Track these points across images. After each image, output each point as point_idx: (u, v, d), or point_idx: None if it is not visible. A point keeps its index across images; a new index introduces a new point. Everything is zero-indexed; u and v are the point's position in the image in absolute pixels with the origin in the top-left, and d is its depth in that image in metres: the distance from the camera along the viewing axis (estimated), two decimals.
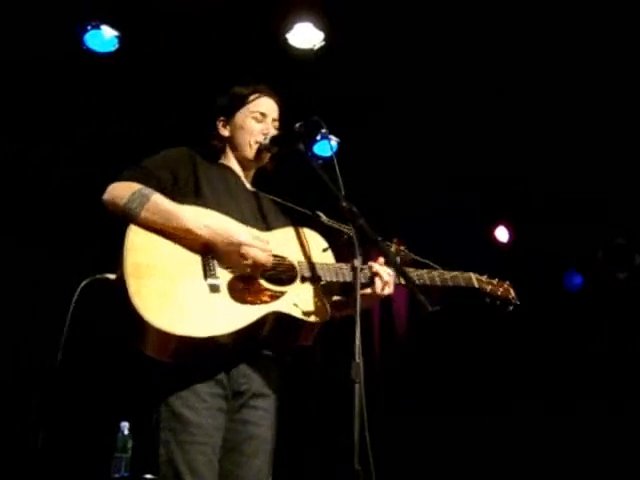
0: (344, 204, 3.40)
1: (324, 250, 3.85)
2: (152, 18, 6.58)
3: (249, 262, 3.49)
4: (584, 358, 8.91)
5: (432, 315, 3.39)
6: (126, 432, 6.27)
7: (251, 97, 4.10)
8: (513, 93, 7.41)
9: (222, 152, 4.14)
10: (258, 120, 4.05)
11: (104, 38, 6.68)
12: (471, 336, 8.14)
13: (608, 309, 9.07)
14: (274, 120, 4.10)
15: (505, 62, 7.04)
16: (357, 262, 3.23)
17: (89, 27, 6.62)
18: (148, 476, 5.75)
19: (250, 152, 4.03)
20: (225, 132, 4.11)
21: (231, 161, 4.10)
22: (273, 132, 4.04)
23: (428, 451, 8.31)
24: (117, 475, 6.10)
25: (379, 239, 3.39)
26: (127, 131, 7.05)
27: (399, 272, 3.69)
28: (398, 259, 3.87)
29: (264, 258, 3.52)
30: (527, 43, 6.81)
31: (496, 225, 9.47)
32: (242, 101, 4.09)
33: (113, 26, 6.64)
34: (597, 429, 8.50)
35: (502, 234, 9.49)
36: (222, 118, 4.13)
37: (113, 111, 7.01)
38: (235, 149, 4.08)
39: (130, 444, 6.22)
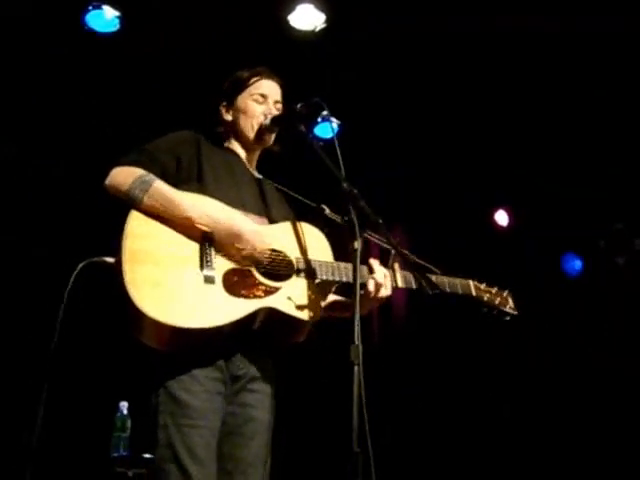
0: (345, 186, 3.39)
1: (322, 246, 3.85)
2: None
3: (245, 254, 3.49)
4: (583, 344, 8.91)
5: (432, 299, 3.39)
6: (125, 412, 6.28)
7: (252, 80, 4.08)
8: (513, 76, 7.41)
9: (226, 137, 4.12)
10: (259, 102, 4.03)
11: (105, 18, 6.67)
12: (469, 320, 8.14)
13: (608, 294, 9.07)
14: (276, 102, 4.08)
15: (506, 43, 7.04)
16: (357, 244, 3.21)
17: (90, 7, 6.61)
18: (147, 455, 5.76)
19: (252, 134, 4.02)
20: (228, 117, 4.09)
21: (235, 145, 4.09)
22: (275, 113, 4.03)
23: (426, 434, 8.33)
24: (116, 454, 6.11)
25: (380, 222, 3.38)
26: (129, 111, 7.03)
27: (399, 253, 3.70)
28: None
29: (260, 253, 3.53)
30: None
31: (496, 209, 9.45)
32: (243, 84, 4.08)
33: (114, 6, 6.62)
34: (596, 415, 8.54)
35: (502, 218, 9.47)
36: (224, 103, 4.11)
37: (115, 92, 6.98)
38: (238, 133, 4.06)
39: (129, 423, 6.23)
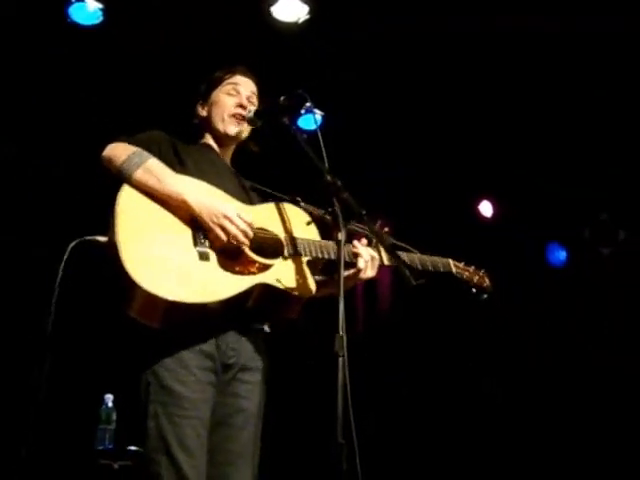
0: (328, 177, 3.40)
1: (308, 224, 3.87)
2: None
3: (228, 237, 3.50)
4: (569, 334, 8.93)
5: (416, 289, 3.40)
6: (110, 404, 6.28)
7: (226, 76, 4.13)
8: (498, 70, 7.43)
9: (201, 133, 4.15)
10: (231, 94, 4.07)
11: (88, 11, 6.66)
12: (454, 310, 8.16)
13: (592, 285, 9.09)
14: (251, 96, 4.10)
15: (492, 38, 7.06)
16: (341, 235, 3.23)
17: (73, 0, 6.59)
18: (132, 448, 5.76)
19: (223, 126, 4.03)
20: (203, 112, 4.12)
21: (209, 140, 4.11)
22: (246, 104, 4.04)
23: (411, 424, 8.35)
24: (101, 447, 6.11)
25: (363, 213, 3.39)
26: (113, 104, 7.02)
27: (383, 245, 3.71)
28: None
29: (243, 236, 3.53)
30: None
31: (480, 200, 9.46)
32: (217, 81, 4.13)
33: None
34: (580, 405, 8.58)
35: (486, 209, 9.48)
36: (200, 101, 4.15)
37: (98, 85, 6.97)
38: (211, 126, 4.08)
39: (114, 416, 6.24)
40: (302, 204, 4.04)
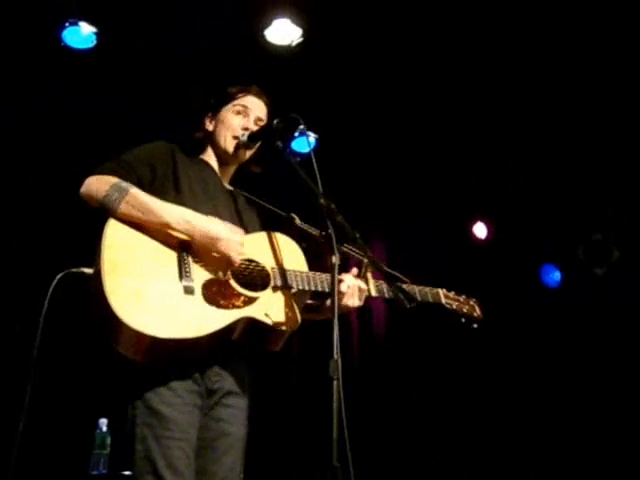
0: (322, 201, 3.39)
1: (298, 254, 3.88)
2: (130, 14, 6.57)
3: (221, 258, 3.50)
4: (564, 355, 8.93)
5: (410, 311, 3.39)
6: (104, 429, 6.26)
7: (239, 94, 4.10)
8: (493, 90, 7.45)
9: (203, 147, 4.13)
10: (239, 114, 4.05)
11: (82, 35, 6.68)
12: (449, 334, 8.16)
13: (586, 305, 9.09)
14: (259, 119, 4.08)
15: (486, 56, 7.09)
16: (335, 259, 3.22)
17: (67, 24, 6.61)
18: (126, 473, 5.73)
19: (225, 145, 4.02)
20: (210, 126, 4.11)
21: (210, 157, 4.10)
22: (253, 128, 4.03)
23: (407, 447, 8.33)
24: (95, 472, 6.09)
25: (357, 236, 3.39)
26: (106, 126, 7.02)
27: (373, 266, 3.72)
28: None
29: (236, 257, 3.53)
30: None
31: (474, 221, 9.48)
32: (229, 97, 4.10)
33: (91, 23, 6.62)
34: (572, 424, 8.58)
35: (480, 230, 9.50)
36: (209, 114, 4.13)
37: (91, 108, 6.97)
38: (214, 143, 4.07)
39: (108, 441, 6.21)
40: (298, 222, 4.05)
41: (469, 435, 8.51)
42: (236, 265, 3.56)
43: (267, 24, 6.86)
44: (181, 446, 3.36)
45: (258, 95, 4.15)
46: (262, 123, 4.09)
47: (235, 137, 4.01)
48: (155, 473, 3.30)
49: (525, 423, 8.69)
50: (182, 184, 3.77)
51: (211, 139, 4.10)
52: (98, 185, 3.50)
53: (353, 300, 3.82)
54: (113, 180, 3.51)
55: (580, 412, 8.65)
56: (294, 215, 4.08)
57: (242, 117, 4.05)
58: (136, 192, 3.50)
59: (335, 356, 2.95)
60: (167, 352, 3.33)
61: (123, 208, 3.44)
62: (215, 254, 3.54)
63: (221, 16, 6.57)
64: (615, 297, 8.93)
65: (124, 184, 3.50)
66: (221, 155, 4.08)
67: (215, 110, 4.12)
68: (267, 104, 4.18)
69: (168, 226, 3.49)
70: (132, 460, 3.38)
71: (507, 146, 8.12)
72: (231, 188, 4.14)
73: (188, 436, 3.41)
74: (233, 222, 3.81)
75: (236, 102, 4.08)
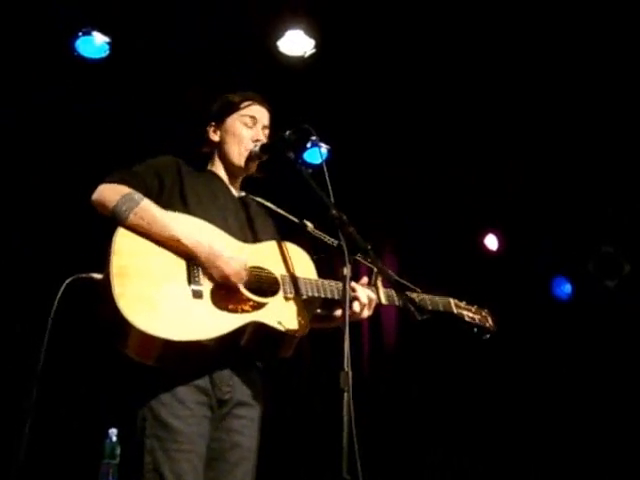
0: (334, 212, 3.38)
1: (308, 263, 3.88)
2: (143, 24, 6.59)
3: (221, 278, 3.50)
4: (575, 367, 8.91)
5: (421, 324, 3.39)
6: (114, 438, 6.26)
7: (243, 104, 4.06)
8: (505, 98, 7.45)
9: (210, 158, 4.11)
10: (248, 125, 4.02)
11: (95, 44, 6.70)
12: (460, 345, 8.14)
13: (598, 318, 9.07)
14: (265, 127, 4.07)
15: (497, 63, 7.09)
16: (346, 270, 3.21)
17: (80, 33, 6.63)
18: None
19: (239, 159, 3.99)
20: (215, 137, 4.07)
21: (219, 168, 4.07)
22: (263, 140, 4.02)
23: (416, 460, 8.31)
24: None
25: (369, 248, 3.38)
26: (117, 136, 7.03)
27: (384, 276, 3.72)
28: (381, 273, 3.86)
29: (237, 278, 3.52)
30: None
31: (486, 233, 9.47)
32: (234, 107, 4.06)
33: (104, 32, 6.65)
34: (583, 434, 8.57)
35: (491, 242, 9.49)
36: (213, 124, 4.09)
37: (104, 117, 6.98)
38: (224, 155, 4.05)
39: (118, 450, 6.21)
40: (310, 229, 4.05)
41: (481, 447, 8.49)
42: (237, 286, 3.56)
43: (280, 35, 6.88)
44: (189, 458, 3.35)
45: (262, 103, 4.12)
46: (267, 131, 4.07)
47: (247, 149, 4.00)
48: None
49: (538, 434, 8.68)
50: (189, 195, 3.75)
51: (219, 151, 4.07)
52: (109, 194, 3.52)
53: (368, 311, 3.82)
54: (125, 190, 3.52)
55: (591, 422, 8.63)
56: (307, 222, 4.08)
57: (250, 128, 4.03)
58: (146, 204, 3.51)
59: (346, 368, 2.94)
60: (176, 356, 3.33)
61: (132, 219, 3.45)
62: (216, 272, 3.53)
63: (235, 27, 6.58)
64: (626, 310, 8.91)
65: (136, 196, 3.51)
66: (231, 167, 4.04)
67: (219, 120, 4.09)
68: (270, 111, 4.15)
69: (175, 240, 3.49)
70: (140, 472, 3.37)
71: (520, 158, 8.12)
72: (243, 194, 4.12)
73: (197, 448, 3.39)
74: (242, 231, 3.83)
75: (243, 112, 4.05)
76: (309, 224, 4.08)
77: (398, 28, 6.72)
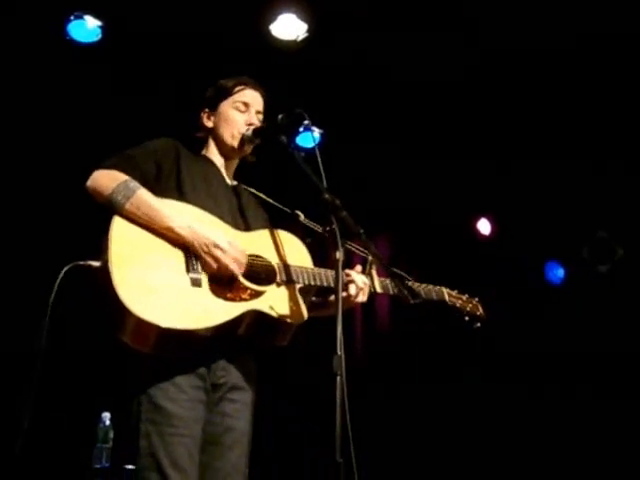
0: (326, 196, 3.39)
1: (302, 251, 3.90)
2: (135, 8, 6.57)
3: (220, 266, 3.50)
4: (567, 352, 8.92)
5: (414, 307, 3.39)
6: (107, 423, 6.25)
7: (236, 88, 4.07)
8: (497, 83, 7.45)
9: (205, 143, 4.12)
10: (241, 110, 4.03)
11: (87, 28, 6.68)
12: (453, 329, 8.15)
13: (590, 302, 9.07)
14: (258, 112, 4.08)
15: (492, 59, 7.09)
16: (339, 254, 3.21)
17: (72, 17, 6.61)
18: (129, 466, 5.73)
19: (232, 142, 4.01)
20: (209, 123, 4.09)
21: (213, 153, 4.08)
22: (257, 124, 4.02)
23: (410, 443, 8.32)
24: (98, 466, 6.08)
25: (361, 232, 3.39)
26: (110, 121, 7.01)
27: (379, 262, 3.73)
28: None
29: (234, 266, 3.53)
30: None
31: (478, 218, 9.47)
32: (227, 92, 4.07)
33: (96, 16, 6.62)
34: (575, 423, 8.58)
35: (484, 227, 9.49)
36: (206, 110, 4.10)
37: (96, 102, 6.96)
38: (218, 140, 4.06)
39: (111, 434, 6.21)
40: (302, 219, 4.06)
41: (472, 431, 8.50)
42: (234, 274, 3.56)
43: (273, 19, 6.87)
44: (185, 442, 3.37)
45: (255, 87, 4.14)
46: (261, 115, 4.09)
47: (240, 133, 4.00)
48: (159, 470, 3.31)
49: (526, 418, 8.68)
50: (185, 182, 3.77)
51: (213, 136, 4.09)
52: (105, 181, 3.52)
53: (363, 297, 3.85)
54: (120, 178, 3.53)
55: (583, 409, 8.65)
56: (299, 212, 4.09)
57: (244, 112, 4.04)
58: (142, 193, 3.51)
59: (339, 352, 2.95)
60: (173, 344, 3.34)
61: (128, 208, 3.46)
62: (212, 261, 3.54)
63: (227, 10, 6.56)
64: (618, 295, 8.93)
65: (132, 184, 3.52)
66: (225, 151, 4.07)
67: (212, 105, 4.10)
68: (263, 95, 4.16)
69: (171, 230, 3.49)
70: (136, 455, 3.39)
71: (510, 142, 8.11)
72: (235, 183, 4.13)
73: (192, 432, 3.42)
74: (235, 219, 3.84)
75: (236, 97, 4.06)
76: (301, 214, 4.10)
77: (391, 11, 6.70)
